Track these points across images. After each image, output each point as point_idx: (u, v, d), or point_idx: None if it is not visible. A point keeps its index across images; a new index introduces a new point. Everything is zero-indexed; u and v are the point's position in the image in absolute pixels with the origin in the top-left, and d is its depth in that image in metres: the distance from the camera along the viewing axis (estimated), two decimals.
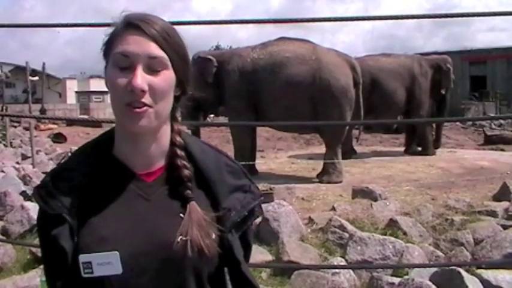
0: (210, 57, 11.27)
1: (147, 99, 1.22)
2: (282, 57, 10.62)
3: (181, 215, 1.27)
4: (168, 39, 1.27)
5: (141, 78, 1.21)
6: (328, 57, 10.64)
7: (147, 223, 1.26)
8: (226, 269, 1.35)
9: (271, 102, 10.55)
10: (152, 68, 1.24)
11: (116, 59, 1.24)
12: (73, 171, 1.31)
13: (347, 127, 10.77)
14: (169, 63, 1.27)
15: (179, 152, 1.35)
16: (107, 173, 1.31)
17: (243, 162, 10.64)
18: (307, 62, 10.45)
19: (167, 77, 1.27)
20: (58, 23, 3.80)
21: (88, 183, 1.29)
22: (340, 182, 10.31)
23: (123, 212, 1.27)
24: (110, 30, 1.31)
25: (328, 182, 10.20)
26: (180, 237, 1.24)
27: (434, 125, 15.75)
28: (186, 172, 1.32)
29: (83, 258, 1.21)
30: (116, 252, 1.20)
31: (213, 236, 1.27)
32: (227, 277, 1.36)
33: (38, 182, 1.53)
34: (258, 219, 6.78)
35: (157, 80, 1.24)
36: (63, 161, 1.37)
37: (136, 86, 1.20)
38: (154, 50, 1.24)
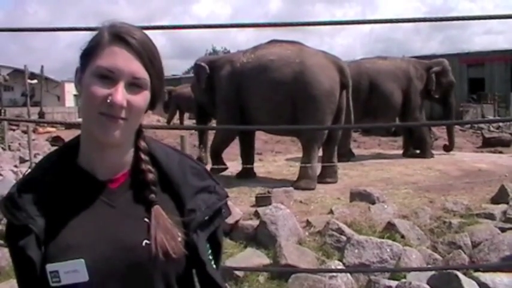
0: (202, 64, 11.43)
1: (123, 114, 1.24)
2: (267, 60, 10.54)
3: (145, 219, 1.29)
4: (153, 61, 1.31)
5: (122, 94, 1.23)
6: (314, 59, 10.40)
7: (112, 229, 1.28)
8: (194, 271, 1.37)
9: (256, 105, 10.53)
10: (133, 86, 1.26)
11: (99, 71, 1.25)
12: (38, 181, 1.32)
13: (326, 132, 10.50)
14: (149, 85, 1.30)
15: (143, 156, 1.37)
16: (71, 182, 1.32)
17: (247, 165, 11.02)
18: (291, 64, 10.28)
19: (145, 97, 1.30)
20: (58, 27, 3.80)
21: (53, 193, 1.30)
22: (312, 189, 9.84)
23: (89, 219, 1.29)
24: (93, 34, 1.31)
25: (300, 188, 9.63)
26: (145, 241, 1.26)
27: (433, 128, 15.77)
28: (150, 176, 1.34)
29: (50, 267, 1.23)
30: (82, 260, 1.22)
31: (179, 238, 1.29)
32: (195, 278, 1.37)
33: None
34: (256, 222, 6.79)
35: (135, 99, 1.27)
36: (29, 170, 1.39)
37: (117, 102, 1.22)
38: (139, 70, 1.27)
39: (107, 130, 1.24)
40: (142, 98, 1.29)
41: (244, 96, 10.65)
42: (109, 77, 1.24)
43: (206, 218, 1.36)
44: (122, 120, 1.24)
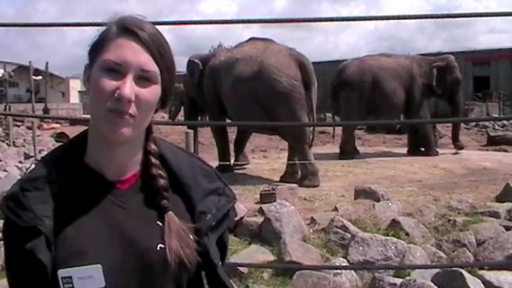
0: (196, 60, 11.72)
1: (132, 109, 1.19)
2: (234, 59, 10.80)
3: (158, 222, 1.27)
4: (163, 53, 1.26)
5: (130, 88, 1.18)
6: (274, 58, 10.38)
7: (125, 232, 1.24)
8: (203, 272, 1.35)
9: (226, 102, 10.85)
10: (142, 80, 1.22)
11: (107, 65, 1.20)
12: (43, 179, 1.24)
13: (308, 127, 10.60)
14: (159, 78, 1.25)
15: (154, 160, 1.33)
16: (79, 181, 1.27)
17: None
18: (251, 63, 10.42)
19: (154, 91, 1.25)
20: (64, 22, 3.81)
21: (60, 192, 1.24)
22: (316, 185, 9.80)
23: (100, 221, 1.24)
24: (101, 29, 1.28)
25: (304, 186, 9.56)
26: (160, 245, 1.24)
27: (437, 125, 15.69)
28: (162, 182, 1.30)
29: (62, 273, 1.17)
30: (99, 265, 1.17)
31: (193, 245, 1.27)
32: (204, 280, 1.36)
33: None
34: (260, 219, 6.79)
35: (144, 93, 1.22)
36: (31, 168, 1.31)
37: (124, 96, 1.17)
38: (148, 62, 1.22)
39: (115, 127, 1.19)
40: (152, 92, 1.24)
41: (219, 92, 11.01)
42: (117, 71, 1.19)
43: (216, 221, 1.35)
44: (130, 117, 1.19)
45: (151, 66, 1.23)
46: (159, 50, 1.25)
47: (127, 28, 1.23)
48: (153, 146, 1.34)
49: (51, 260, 1.17)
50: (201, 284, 1.36)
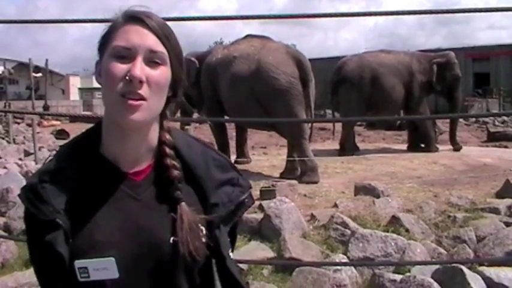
0: (192, 58, 11.77)
1: (143, 91, 1.21)
2: (231, 57, 10.86)
3: (172, 214, 1.27)
4: (169, 37, 1.28)
5: (141, 69, 1.20)
6: (271, 56, 10.43)
7: (139, 224, 1.26)
8: (214, 260, 1.36)
9: (224, 100, 10.94)
10: (151, 62, 1.23)
11: (116, 51, 1.23)
12: (60, 171, 1.27)
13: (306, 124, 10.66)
14: (167, 60, 1.27)
15: (168, 151, 1.33)
16: (95, 173, 1.29)
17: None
18: (249, 61, 10.49)
19: (164, 73, 1.26)
20: (65, 19, 3.80)
21: (77, 184, 1.26)
22: (316, 182, 9.85)
23: (115, 213, 1.26)
24: (108, 25, 1.30)
25: (304, 182, 9.61)
26: (172, 238, 1.25)
27: (437, 122, 15.66)
28: (176, 173, 1.31)
29: (78, 263, 1.21)
30: (112, 258, 1.20)
31: (203, 239, 1.28)
32: (214, 268, 1.36)
33: None
34: (260, 216, 6.79)
35: (155, 74, 1.23)
36: (48, 160, 1.33)
37: (135, 76, 1.19)
38: (155, 43, 1.24)
39: (129, 113, 1.20)
40: (162, 74, 1.25)
41: (217, 90, 11.07)
42: (126, 55, 1.22)
43: (228, 212, 1.35)
44: (142, 101, 1.21)
45: (159, 47, 1.25)
46: (166, 34, 1.27)
47: (133, 16, 1.26)
48: (167, 136, 1.35)
49: (68, 252, 1.21)
50: (211, 272, 1.36)
